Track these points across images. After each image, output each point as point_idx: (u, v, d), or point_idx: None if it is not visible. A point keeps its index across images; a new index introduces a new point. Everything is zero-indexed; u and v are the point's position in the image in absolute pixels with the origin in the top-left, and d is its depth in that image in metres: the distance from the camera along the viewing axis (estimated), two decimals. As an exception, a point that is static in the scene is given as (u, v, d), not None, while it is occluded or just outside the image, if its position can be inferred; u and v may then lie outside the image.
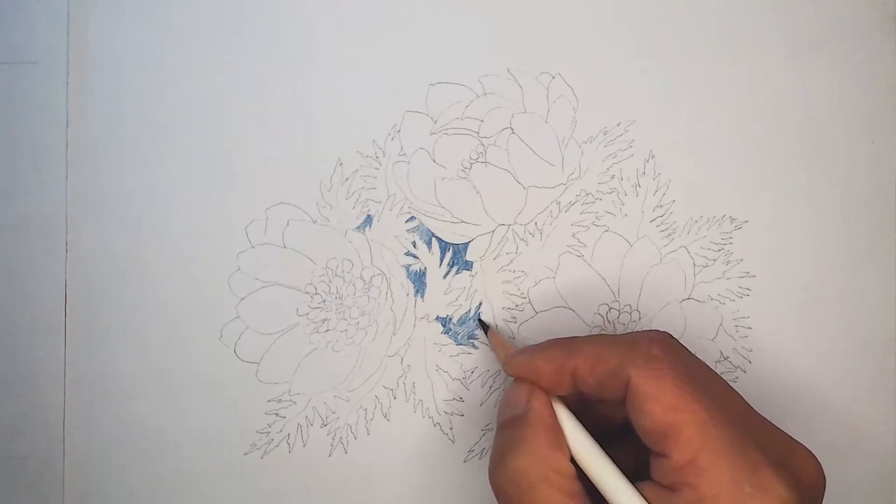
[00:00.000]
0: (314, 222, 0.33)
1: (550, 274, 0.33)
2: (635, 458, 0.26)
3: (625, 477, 0.26)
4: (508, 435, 0.27)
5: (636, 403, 0.25)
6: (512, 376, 0.29)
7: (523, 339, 0.33)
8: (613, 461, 0.26)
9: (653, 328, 0.33)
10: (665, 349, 0.26)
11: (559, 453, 0.26)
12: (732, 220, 0.34)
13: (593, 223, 0.33)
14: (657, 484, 0.25)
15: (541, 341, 0.29)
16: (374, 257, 0.33)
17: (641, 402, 0.25)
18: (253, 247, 0.33)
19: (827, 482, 0.25)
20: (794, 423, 0.33)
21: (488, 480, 0.27)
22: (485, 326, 0.33)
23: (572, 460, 0.26)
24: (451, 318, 0.33)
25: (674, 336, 0.27)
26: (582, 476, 0.26)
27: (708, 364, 0.27)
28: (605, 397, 0.27)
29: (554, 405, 0.27)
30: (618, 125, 0.33)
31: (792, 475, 0.24)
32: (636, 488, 0.25)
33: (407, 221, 0.33)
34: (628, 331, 0.33)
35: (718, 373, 0.33)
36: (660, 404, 0.25)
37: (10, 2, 0.33)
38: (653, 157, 0.34)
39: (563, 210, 0.33)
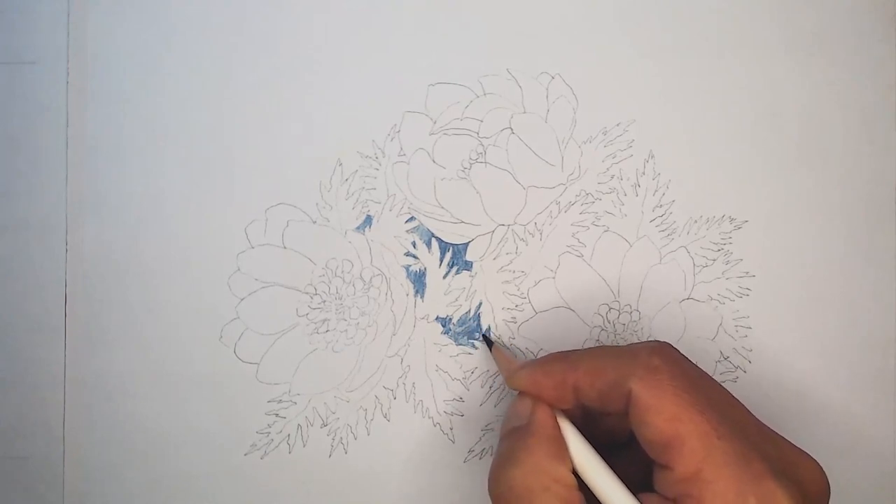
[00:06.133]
0: (314, 223, 0.33)
1: (550, 274, 0.33)
2: (640, 470, 0.26)
3: (627, 489, 0.25)
4: (510, 444, 0.27)
5: (638, 415, 0.25)
6: (515, 391, 0.29)
7: (523, 339, 0.33)
8: (617, 473, 0.26)
9: (653, 331, 0.33)
10: (665, 359, 0.26)
11: (560, 464, 0.26)
12: (732, 220, 0.34)
13: (593, 223, 0.33)
14: (661, 496, 0.25)
15: (543, 355, 0.29)
16: (373, 258, 0.33)
17: (643, 413, 0.25)
18: (253, 247, 0.33)
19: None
20: (793, 422, 0.33)
21: (487, 490, 0.27)
22: (489, 342, 0.33)
23: (574, 473, 0.26)
24: (450, 319, 0.33)
25: (674, 346, 0.27)
26: (584, 488, 0.26)
27: (708, 366, 0.27)
28: (608, 410, 0.26)
29: (557, 417, 0.27)
30: (617, 125, 0.33)
31: (796, 485, 0.24)
32: (639, 500, 0.25)
33: (407, 222, 0.33)
34: (628, 330, 0.33)
35: (719, 373, 0.33)
36: (662, 416, 0.25)
37: (10, 2, 0.33)
38: (652, 157, 0.34)
39: (562, 210, 0.33)
